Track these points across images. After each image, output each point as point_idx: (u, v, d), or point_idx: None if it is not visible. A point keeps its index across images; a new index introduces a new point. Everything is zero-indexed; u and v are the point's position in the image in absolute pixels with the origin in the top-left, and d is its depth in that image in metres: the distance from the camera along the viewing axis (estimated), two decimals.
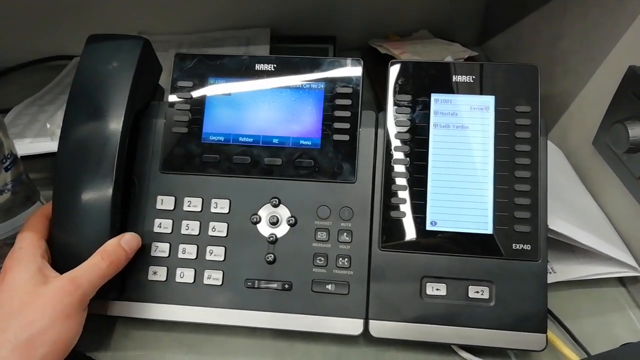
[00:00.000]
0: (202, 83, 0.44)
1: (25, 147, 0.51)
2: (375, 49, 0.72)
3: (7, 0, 0.68)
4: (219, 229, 0.42)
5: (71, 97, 0.42)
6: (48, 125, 0.47)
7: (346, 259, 0.40)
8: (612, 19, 0.49)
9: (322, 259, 0.41)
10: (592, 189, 0.51)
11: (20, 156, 0.44)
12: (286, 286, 0.40)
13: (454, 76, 0.42)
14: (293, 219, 0.41)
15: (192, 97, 0.44)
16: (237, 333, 0.42)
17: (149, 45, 0.44)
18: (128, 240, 0.39)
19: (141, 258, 0.41)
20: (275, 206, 0.42)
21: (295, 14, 0.73)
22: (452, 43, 0.72)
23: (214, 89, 0.44)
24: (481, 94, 0.42)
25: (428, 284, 0.40)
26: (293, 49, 0.72)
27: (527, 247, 0.39)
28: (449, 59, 0.67)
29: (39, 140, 0.51)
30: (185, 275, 0.41)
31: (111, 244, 0.38)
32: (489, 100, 0.42)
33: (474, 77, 0.42)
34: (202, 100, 0.44)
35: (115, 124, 0.41)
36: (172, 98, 0.44)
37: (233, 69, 0.45)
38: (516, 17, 0.69)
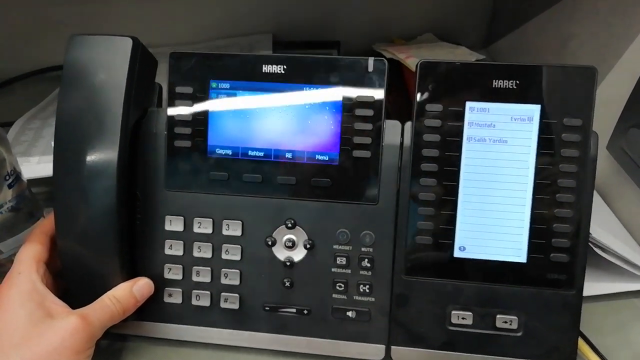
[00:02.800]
0: (203, 88, 0.39)
1: (32, 168, 0.49)
2: (379, 53, 0.66)
3: (5, 10, 0.65)
4: (232, 252, 0.39)
5: (60, 111, 0.38)
6: (52, 144, 0.44)
7: (367, 286, 0.38)
8: (624, 19, 0.46)
9: (342, 285, 0.39)
10: (605, 195, 0.49)
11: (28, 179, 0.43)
12: (305, 312, 0.39)
13: (494, 81, 0.36)
14: (310, 242, 0.39)
15: (193, 105, 0.39)
16: (254, 355, 0.42)
17: (139, 43, 0.38)
18: (141, 288, 0.37)
19: (155, 279, 0.40)
20: (291, 228, 0.39)
21: (298, 19, 0.69)
22: (458, 46, 0.68)
23: (217, 95, 0.39)
24: (525, 102, 0.36)
25: (453, 312, 0.38)
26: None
27: (563, 276, 0.36)
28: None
29: (45, 161, 0.49)
30: (202, 298, 0.40)
31: (122, 290, 0.36)
32: (534, 110, 0.36)
33: (517, 81, 0.36)
34: (205, 108, 0.39)
35: (113, 138, 0.37)
36: (172, 108, 0.39)
37: (237, 70, 0.39)
38: (523, 18, 0.66)
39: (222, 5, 0.68)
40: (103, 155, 0.37)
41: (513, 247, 0.37)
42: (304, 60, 0.38)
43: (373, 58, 0.37)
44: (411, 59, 0.62)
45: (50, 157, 0.49)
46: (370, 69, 0.37)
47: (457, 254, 0.37)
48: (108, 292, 0.36)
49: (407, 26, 0.75)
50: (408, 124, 0.38)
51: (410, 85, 0.58)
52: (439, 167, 0.37)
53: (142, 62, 0.39)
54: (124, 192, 0.38)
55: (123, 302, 0.36)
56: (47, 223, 0.39)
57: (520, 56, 0.68)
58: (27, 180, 0.44)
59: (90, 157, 0.37)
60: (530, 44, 0.66)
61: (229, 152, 0.39)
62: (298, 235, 0.39)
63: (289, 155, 0.39)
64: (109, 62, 0.37)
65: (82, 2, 0.58)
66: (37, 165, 0.53)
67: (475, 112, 0.37)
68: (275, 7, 0.70)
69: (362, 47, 0.73)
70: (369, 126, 0.38)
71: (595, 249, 0.43)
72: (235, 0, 0.67)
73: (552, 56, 0.60)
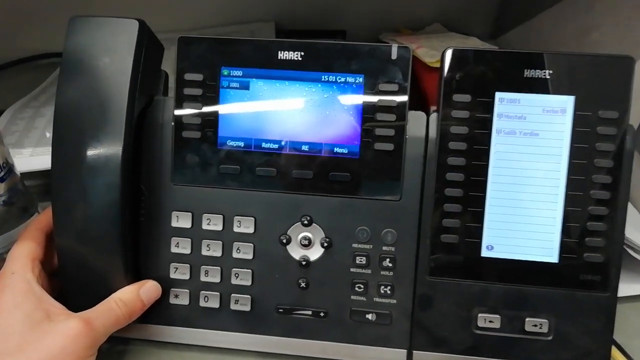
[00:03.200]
0: (213, 75, 0.36)
1: (26, 161, 0.46)
2: (386, 43, 0.63)
3: None
4: (244, 250, 0.37)
5: (60, 100, 0.35)
6: (47, 134, 0.41)
7: (389, 287, 0.36)
8: None
9: (362, 286, 0.36)
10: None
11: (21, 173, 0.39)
12: (321, 314, 0.37)
13: (525, 70, 0.34)
14: (327, 240, 0.36)
15: (203, 94, 0.37)
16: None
17: (145, 26, 0.36)
18: (148, 291, 0.35)
19: (160, 280, 0.37)
20: (307, 225, 0.36)
21: (301, 7, 0.67)
22: (469, 37, 0.66)
23: (228, 83, 0.36)
24: (558, 93, 0.34)
25: (480, 315, 0.36)
26: None
27: (597, 278, 0.34)
28: None
29: (39, 153, 0.46)
30: (210, 300, 0.37)
31: (129, 292, 0.34)
32: (567, 102, 0.34)
33: (550, 71, 0.34)
34: (215, 96, 0.37)
35: (117, 129, 0.34)
36: (180, 96, 0.37)
37: (250, 56, 0.36)
38: (537, 8, 0.64)
39: None
40: (106, 146, 0.34)
41: (544, 247, 0.35)
42: (323, 46, 0.36)
43: (397, 45, 0.35)
44: (422, 50, 0.60)
45: (44, 149, 0.47)
46: (394, 56, 0.35)
47: (484, 253, 0.35)
48: (113, 295, 0.33)
49: (414, 16, 0.73)
50: (434, 116, 0.36)
51: (421, 76, 0.56)
52: (467, 161, 0.35)
53: (148, 46, 0.36)
54: (128, 186, 0.35)
55: (129, 306, 0.33)
56: (42, 219, 0.37)
57: (533, 47, 0.66)
58: (20, 173, 0.41)
59: (93, 149, 0.34)
60: (545, 35, 0.64)
61: (241, 144, 0.37)
62: (314, 233, 0.37)
63: (305, 147, 0.36)
64: (114, 46, 0.35)
65: None
66: (31, 158, 0.49)
67: (505, 103, 0.35)
68: None
69: (368, 36, 0.70)
70: (392, 117, 0.35)
71: (627, 249, 0.41)
72: None
73: (569, 48, 0.58)
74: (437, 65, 0.55)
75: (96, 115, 0.35)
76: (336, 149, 0.36)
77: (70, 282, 0.35)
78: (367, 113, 0.36)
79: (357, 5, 0.70)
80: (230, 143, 0.37)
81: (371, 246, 0.36)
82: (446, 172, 0.35)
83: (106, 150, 0.34)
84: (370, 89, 0.35)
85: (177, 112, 0.37)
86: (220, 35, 0.66)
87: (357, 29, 0.71)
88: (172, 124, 0.37)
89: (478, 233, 0.35)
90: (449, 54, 0.35)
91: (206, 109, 0.37)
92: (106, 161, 0.34)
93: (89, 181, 0.34)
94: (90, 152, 0.34)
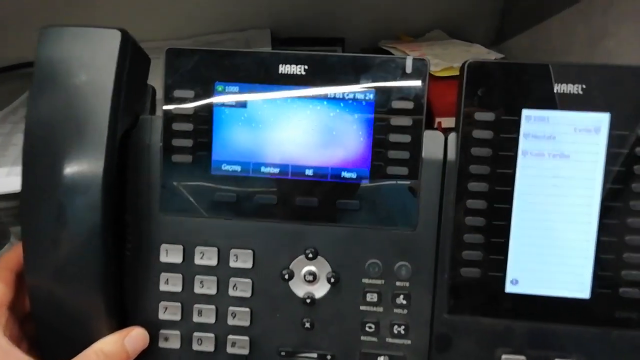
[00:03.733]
0: (206, 91, 0.33)
1: (2, 182, 0.42)
2: (387, 51, 0.60)
3: None
4: (241, 287, 0.33)
5: (31, 120, 0.31)
6: None
7: (403, 327, 0.32)
8: None
9: (373, 325, 0.33)
10: None
11: None
12: (328, 357, 0.33)
13: (555, 84, 0.31)
14: (335, 275, 0.33)
15: (195, 113, 0.33)
16: None
17: (128, 37, 0.32)
18: (134, 340, 0.31)
19: (148, 321, 0.33)
20: (312, 259, 0.33)
21: (298, 13, 0.63)
22: (473, 44, 0.62)
23: (223, 100, 0.33)
24: (591, 110, 0.31)
25: (504, 356, 0.32)
26: None
27: (634, 315, 0.31)
28: None
29: (17, 173, 0.42)
30: (205, 342, 0.33)
31: (112, 343, 0.30)
32: (602, 120, 0.31)
33: (583, 85, 0.31)
34: (208, 116, 0.33)
35: (97, 152, 0.31)
36: (168, 115, 0.33)
37: (248, 70, 0.33)
38: (544, 14, 0.60)
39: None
40: (85, 172, 0.30)
41: (575, 281, 0.31)
42: (329, 59, 0.32)
43: (412, 57, 0.31)
44: (424, 57, 0.57)
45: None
46: (409, 69, 0.31)
47: (509, 288, 0.32)
48: (94, 345, 0.29)
49: (414, 22, 0.70)
50: (452, 136, 0.32)
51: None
52: (490, 186, 0.31)
53: (132, 59, 0.32)
54: (111, 217, 0.31)
55: (112, 358, 0.29)
56: (11, 256, 0.32)
57: (540, 56, 0.63)
58: None
59: (69, 175, 0.30)
60: (553, 42, 0.60)
61: (238, 168, 0.33)
62: (320, 267, 0.33)
63: (309, 172, 0.33)
64: (92, 59, 0.31)
65: None
66: (7, 178, 0.45)
67: (533, 122, 0.31)
68: (273, 1, 0.63)
69: (368, 44, 0.67)
70: (406, 138, 0.32)
71: None
72: None
73: (580, 56, 0.55)
74: (442, 74, 0.52)
75: (73, 138, 0.31)
76: (344, 174, 0.32)
77: (45, 330, 0.31)
78: (378, 133, 0.32)
79: (356, 12, 0.67)
80: (226, 167, 0.33)
81: (383, 281, 0.32)
82: (466, 199, 0.31)
83: (85, 176, 0.30)
84: (382, 106, 0.32)
85: (166, 132, 0.33)
86: (212, 43, 0.63)
87: (356, 37, 0.68)
88: (160, 145, 0.33)
89: (502, 266, 0.32)
90: (469, 67, 0.31)
91: (198, 130, 0.33)
92: (85, 189, 0.30)
93: (65, 212, 0.30)
94: (67, 180, 0.30)
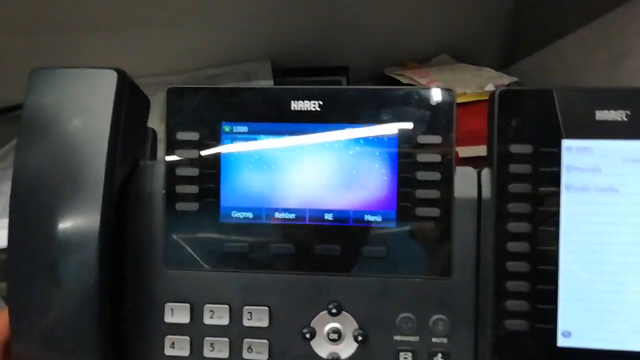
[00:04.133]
0: (212, 132, 0.30)
1: None
2: (393, 79, 0.58)
3: None
4: (257, 349, 0.29)
5: (19, 170, 0.28)
6: None
7: None
8: None
9: None
10: None
11: None
12: None
13: (597, 111, 0.28)
14: (362, 333, 0.29)
15: (200, 156, 0.30)
16: None
17: (126, 77, 0.29)
18: None
19: None
20: (335, 314, 0.29)
21: (298, 42, 0.61)
22: (482, 68, 0.60)
23: (231, 141, 0.30)
24: (639, 138, 0.28)
25: None
26: (302, 84, 0.62)
27: None
28: (489, 87, 0.53)
29: (3, 226, 0.39)
30: None
31: None
32: None
33: (628, 111, 0.28)
34: (215, 159, 0.30)
35: (93, 203, 0.28)
36: (171, 159, 0.30)
37: (257, 108, 0.30)
38: (556, 34, 0.58)
39: (211, 29, 0.58)
40: (79, 227, 0.27)
41: (635, 331, 0.28)
42: (344, 93, 0.29)
43: (438, 88, 0.29)
44: (435, 84, 0.54)
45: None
46: (435, 101, 0.29)
47: (560, 342, 0.28)
48: None
49: (419, 48, 0.67)
50: (486, 172, 0.29)
51: None
52: (532, 226, 0.28)
53: (130, 101, 0.30)
54: (108, 275, 0.28)
55: None
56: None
57: (555, 77, 0.60)
58: None
59: (62, 230, 0.27)
60: (568, 62, 0.58)
61: (249, 214, 0.30)
62: (345, 324, 0.29)
63: (328, 216, 0.29)
64: (87, 102, 0.28)
65: (50, 30, 0.49)
66: None
67: (574, 153, 0.28)
68: (273, 30, 0.61)
69: (372, 72, 0.65)
70: (435, 175, 0.29)
71: None
72: (227, 24, 0.58)
73: (602, 76, 0.53)
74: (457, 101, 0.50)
75: (66, 188, 0.28)
76: (367, 217, 0.29)
77: None
78: (404, 172, 0.29)
79: (359, 39, 0.64)
80: (236, 215, 0.30)
81: (417, 338, 0.29)
82: (507, 242, 0.28)
83: (79, 231, 0.27)
84: (407, 142, 0.29)
85: (169, 178, 0.30)
86: (209, 77, 0.60)
87: (360, 64, 0.65)
88: (163, 193, 0.30)
89: (551, 317, 0.28)
90: (500, 96, 0.28)
91: (204, 174, 0.30)
92: (79, 246, 0.27)
93: (56, 272, 0.27)
94: (59, 235, 0.27)
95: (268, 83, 0.57)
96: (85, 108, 0.28)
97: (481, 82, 0.55)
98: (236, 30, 0.58)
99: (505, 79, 0.57)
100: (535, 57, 0.64)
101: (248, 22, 0.57)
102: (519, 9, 0.65)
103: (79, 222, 0.27)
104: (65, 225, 0.27)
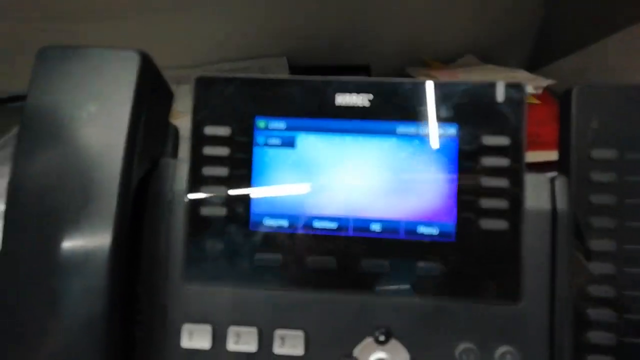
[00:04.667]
0: (245, 128, 0.26)
1: None
2: (416, 79, 0.55)
3: None
4: None
5: (19, 165, 0.24)
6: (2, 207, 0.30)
7: None
8: None
9: None
10: None
11: None
12: None
13: None
14: None
15: (231, 155, 0.26)
16: None
17: (150, 62, 0.26)
18: None
19: None
20: (383, 342, 0.25)
21: (316, 39, 0.56)
22: (514, 69, 0.57)
23: (265, 138, 0.26)
24: None
25: None
26: None
27: None
28: (529, 89, 0.50)
29: None
30: None
31: None
32: None
33: None
34: (247, 158, 0.26)
35: (106, 206, 0.24)
36: (197, 158, 0.26)
37: (296, 102, 0.26)
38: (596, 35, 0.53)
39: (225, 24, 0.55)
40: (89, 232, 0.23)
41: None
42: (399, 86, 0.26)
43: (505, 82, 0.25)
44: None
45: None
46: (501, 97, 0.25)
47: None
48: None
49: (443, 48, 0.63)
50: (562, 180, 0.25)
51: None
52: (617, 244, 0.24)
53: (154, 90, 0.26)
54: (120, 292, 0.24)
55: None
56: None
57: (594, 79, 0.56)
58: None
59: (69, 237, 0.23)
60: (612, 62, 0.53)
61: (284, 223, 0.26)
62: (394, 354, 0.25)
63: (376, 227, 0.25)
64: (104, 87, 0.25)
65: (61, 17, 0.45)
66: None
67: None
68: (289, 25, 0.57)
69: (392, 72, 0.61)
70: (502, 182, 0.25)
71: None
72: (242, 18, 0.54)
73: None
74: None
75: (75, 188, 0.24)
76: (421, 229, 0.25)
77: None
78: (465, 178, 0.25)
79: (379, 37, 0.60)
80: (269, 222, 0.26)
81: None
82: (587, 261, 0.24)
83: (89, 238, 0.23)
84: (470, 143, 0.25)
85: (193, 179, 0.26)
86: (222, 72, 0.58)
87: (380, 63, 0.62)
88: (186, 197, 0.26)
89: None
90: (578, 94, 0.25)
91: (235, 175, 0.26)
92: (88, 255, 0.23)
93: (60, 287, 0.23)
94: (66, 242, 0.23)
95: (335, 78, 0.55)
96: (101, 95, 0.25)
97: None
98: (251, 23, 0.55)
99: (541, 82, 0.53)
100: (571, 59, 0.58)
101: (264, 16, 0.53)
102: (551, 8, 0.60)
103: (88, 229, 0.23)
104: (71, 233, 0.23)
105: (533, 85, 0.51)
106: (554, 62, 0.61)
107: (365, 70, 0.59)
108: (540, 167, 0.46)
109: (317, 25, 0.56)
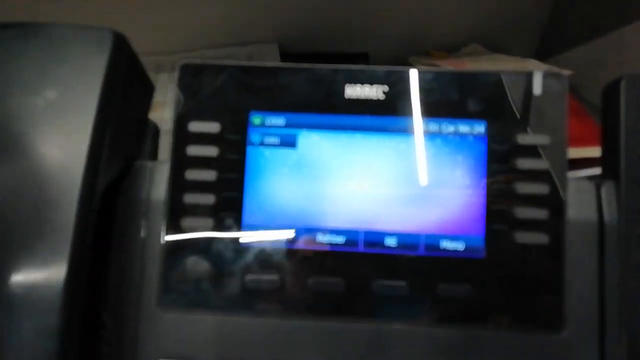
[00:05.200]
0: (238, 125, 0.22)
1: None
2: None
3: None
4: None
5: None
6: None
7: None
8: None
9: None
10: None
11: None
12: None
13: None
14: None
15: (220, 155, 0.22)
16: None
17: (126, 44, 0.22)
18: None
19: None
20: None
21: (309, 24, 0.53)
22: (525, 59, 0.54)
23: (261, 137, 0.22)
24: None
25: None
26: None
27: None
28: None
29: None
30: None
31: None
32: None
33: None
34: (239, 159, 0.22)
35: (62, 222, 0.19)
36: (180, 158, 0.22)
37: (298, 94, 0.22)
38: (614, 22, 0.50)
39: (209, 5, 0.50)
40: (41, 259, 0.19)
41: None
42: (419, 77, 0.22)
43: (542, 72, 0.22)
44: None
45: None
46: (538, 90, 0.22)
47: None
48: None
49: (446, 36, 0.60)
50: (609, 186, 0.22)
51: None
52: None
53: (130, 78, 0.22)
54: (80, 317, 0.19)
55: None
56: None
57: (610, 71, 0.53)
58: None
59: (16, 266, 0.19)
60: (630, 54, 0.50)
61: (282, 236, 0.22)
62: None
63: (391, 241, 0.21)
64: (67, 71, 0.20)
65: None
66: None
67: None
68: (281, 7, 0.53)
69: (395, 60, 0.58)
70: (542, 188, 0.21)
71: None
72: (229, 0, 0.51)
73: None
74: None
75: (25, 200, 0.19)
76: (445, 244, 0.21)
77: None
78: (496, 183, 0.21)
79: (378, 23, 0.57)
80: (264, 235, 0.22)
81: None
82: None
83: (40, 266, 0.19)
84: (501, 142, 0.21)
85: (175, 183, 0.22)
86: (207, 59, 0.53)
87: (381, 51, 0.58)
88: (165, 204, 0.22)
89: None
90: (628, 85, 0.21)
91: (224, 180, 0.22)
92: (38, 288, 0.19)
93: (4, 326, 0.18)
94: (11, 274, 0.19)
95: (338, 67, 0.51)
96: (63, 80, 0.20)
97: None
98: (238, 6, 0.51)
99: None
100: (584, 48, 0.55)
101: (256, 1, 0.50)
102: None
103: (37, 265, 0.19)
104: (17, 270, 0.19)
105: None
106: (564, 52, 0.57)
107: (363, 58, 0.56)
108: None
109: (311, 9, 0.52)
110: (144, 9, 0.46)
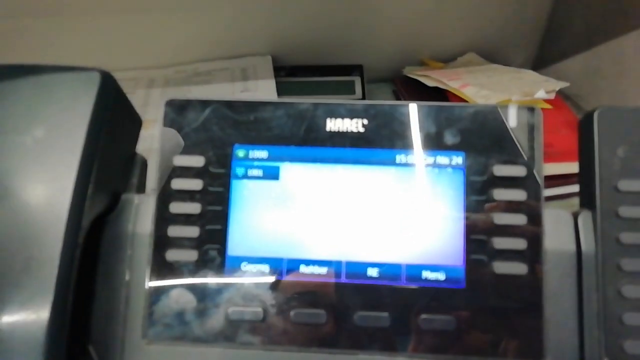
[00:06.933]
0: (222, 158, 0.23)
1: None
2: (415, 80, 0.52)
3: None
4: None
5: None
6: None
7: None
8: None
9: None
10: None
11: None
12: None
13: None
14: None
15: (204, 188, 0.22)
16: None
17: (112, 82, 0.22)
18: None
19: None
20: None
21: (303, 37, 0.53)
22: (522, 70, 0.53)
23: (245, 170, 0.23)
24: None
25: None
26: (309, 85, 0.53)
27: None
28: (541, 94, 0.47)
29: None
30: None
31: None
32: None
33: None
34: (223, 192, 0.22)
35: (49, 255, 0.19)
36: (166, 192, 0.22)
37: (280, 128, 0.23)
38: (612, 31, 0.50)
39: (203, 16, 0.50)
40: (26, 286, 0.19)
41: None
42: (397, 110, 0.23)
43: (516, 105, 0.22)
44: (469, 89, 0.47)
45: None
46: (513, 123, 0.22)
47: None
48: None
49: (441, 46, 0.60)
50: (585, 215, 0.22)
51: None
52: None
53: (117, 115, 0.22)
54: (65, 352, 0.19)
55: None
56: None
57: (606, 82, 0.52)
58: None
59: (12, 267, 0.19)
60: (626, 64, 0.50)
61: (265, 268, 0.22)
62: None
63: (373, 272, 0.22)
64: (55, 110, 0.21)
65: (10, 13, 0.40)
66: None
67: None
68: (275, 21, 0.53)
69: (387, 71, 0.58)
70: (519, 219, 0.21)
71: None
72: (222, 11, 0.50)
73: None
74: None
75: (9, 240, 0.20)
76: (426, 275, 0.22)
77: None
78: (474, 214, 0.22)
79: (373, 33, 0.56)
80: (247, 267, 0.22)
81: None
82: (623, 312, 0.20)
83: (24, 298, 0.19)
84: (478, 174, 0.22)
85: (160, 217, 0.22)
86: (200, 74, 0.50)
87: (374, 63, 0.57)
88: (151, 238, 0.22)
89: None
90: (600, 117, 0.22)
91: (208, 212, 0.22)
92: (21, 322, 0.19)
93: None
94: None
95: (268, 82, 0.49)
96: (51, 119, 0.21)
97: (524, 87, 0.48)
98: (233, 19, 0.50)
99: (554, 84, 0.49)
100: (581, 58, 0.55)
101: (247, 11, 0.49)
102: (560, 2, 0.56)
103: (25, 286, 0.19)
104: (15, 277, 0.19)
105: (545, 88, 0.47)
106: (561, 61, 0.57)
107: (357, 70, 0.56)
108: (554, 179, 0.42)
109: (304, 21, 0.52)
110: (137, 23, 0.45)
